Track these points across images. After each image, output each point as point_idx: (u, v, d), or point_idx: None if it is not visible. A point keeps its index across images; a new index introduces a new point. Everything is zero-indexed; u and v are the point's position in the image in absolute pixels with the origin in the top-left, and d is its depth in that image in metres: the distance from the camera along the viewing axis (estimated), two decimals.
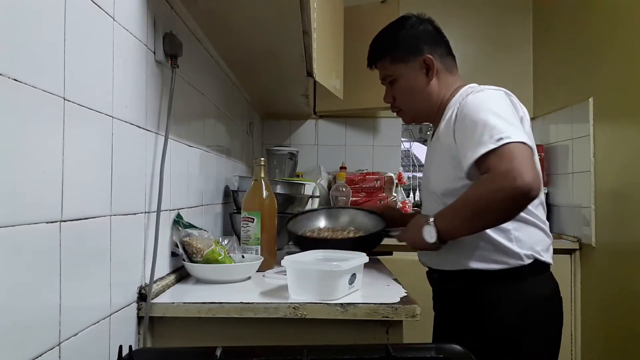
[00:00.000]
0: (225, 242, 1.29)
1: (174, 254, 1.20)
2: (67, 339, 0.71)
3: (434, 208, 1.18)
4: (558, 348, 1.20)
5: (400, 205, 2.67)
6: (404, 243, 1.23)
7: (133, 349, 0.73)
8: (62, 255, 0.69)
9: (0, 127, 0.56)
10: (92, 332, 0.79)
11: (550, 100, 2.73)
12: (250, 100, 2.41)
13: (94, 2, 0.79)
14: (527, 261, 1.13)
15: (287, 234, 1.48)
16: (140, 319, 0.98)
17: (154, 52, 1.07)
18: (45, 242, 0.66)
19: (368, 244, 1.40)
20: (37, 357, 0.63)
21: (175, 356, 0.78)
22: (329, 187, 2.64)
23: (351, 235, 1.44)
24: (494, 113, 1.07)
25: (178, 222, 1.20)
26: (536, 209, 1.18)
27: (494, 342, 1.13)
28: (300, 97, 2.33)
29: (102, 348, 0.83)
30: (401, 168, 2.99)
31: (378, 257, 1.60)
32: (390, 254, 1.65)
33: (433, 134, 1.31)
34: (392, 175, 2.75)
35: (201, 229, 1.22)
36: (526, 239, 1.15)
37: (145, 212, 1.02)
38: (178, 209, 1.24)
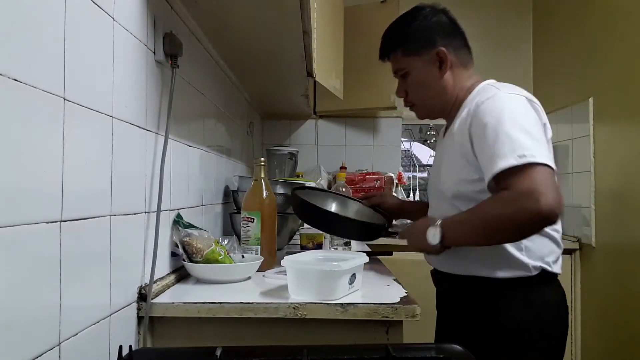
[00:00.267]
0: (225, 242, 1.28)
1: (174, 254, 1.20)
2: (67, 339, 0.71)
3: (443, 209, 1.16)
4: (562, 356, 1.17)
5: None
6: (404, 242, 1.23)
7: (133, 349, 0.73)
8: (62, 255, 0.69)
9: (0, 127, 0.56)
10: (92, 332, 0.79)
11: (550, 100, 2.73)
12: (250, 100, 2.41)
13: (94, 2, 0.79)
14: (535, 272, 1.10)
15: (292, 199, 1.45)
16: (140, 319, 0.98)
17: (154, 52, 1.07)
18: (45, 242, 0.66)
19: (370, 233, 1.41)
20: (37, 357, 0.63)
21: (175, 356, 0.78)
22: (329, 187, 2.64)
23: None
24: (518, 124, 1.01)
25: (178, 222, 1.20)
26: None
27: (497, 345, 1.11)
28: (300, 97, 2.34)
29: (102, 348, 0.83)
30: (401, 168, 2.99)
31: (378, 257, 1.60)
32: (390, 254, 1.65)
33: (445, 131, 1.26)
34: (392, 175, 2.75)
35: (201, 229, 1.22)
36: (537, 249, 1.11)
37: (145, 212, 1.02)
38: (178, 209, 1.24)
